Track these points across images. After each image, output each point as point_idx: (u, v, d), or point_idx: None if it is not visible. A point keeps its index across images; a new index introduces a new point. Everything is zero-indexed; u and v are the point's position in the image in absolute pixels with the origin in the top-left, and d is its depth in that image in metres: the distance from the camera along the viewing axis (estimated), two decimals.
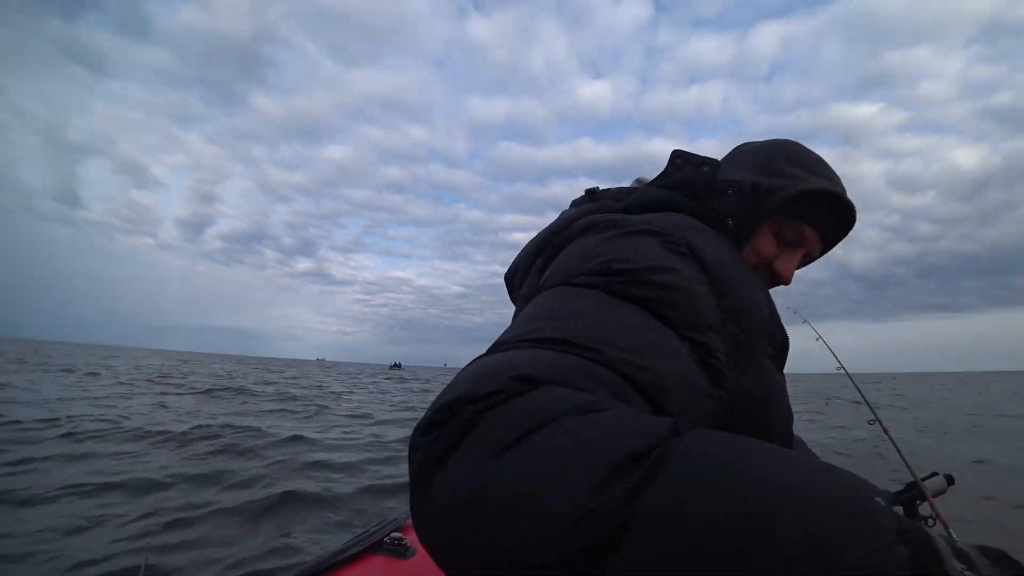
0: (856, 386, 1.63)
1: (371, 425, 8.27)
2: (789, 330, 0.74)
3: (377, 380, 29.44)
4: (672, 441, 0.36)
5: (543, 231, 0.85)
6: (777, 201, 0.76)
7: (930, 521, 0.99)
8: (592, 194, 0.87)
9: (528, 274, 0.84)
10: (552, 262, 0.76)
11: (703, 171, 0.80)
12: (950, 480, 1.04)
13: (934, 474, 1.05)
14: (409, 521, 1.54)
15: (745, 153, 0.85)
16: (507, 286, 0.94)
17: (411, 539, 1.31)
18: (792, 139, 0.85)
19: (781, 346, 0.71)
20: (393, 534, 1.31)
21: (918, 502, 1.00)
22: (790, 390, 0.71)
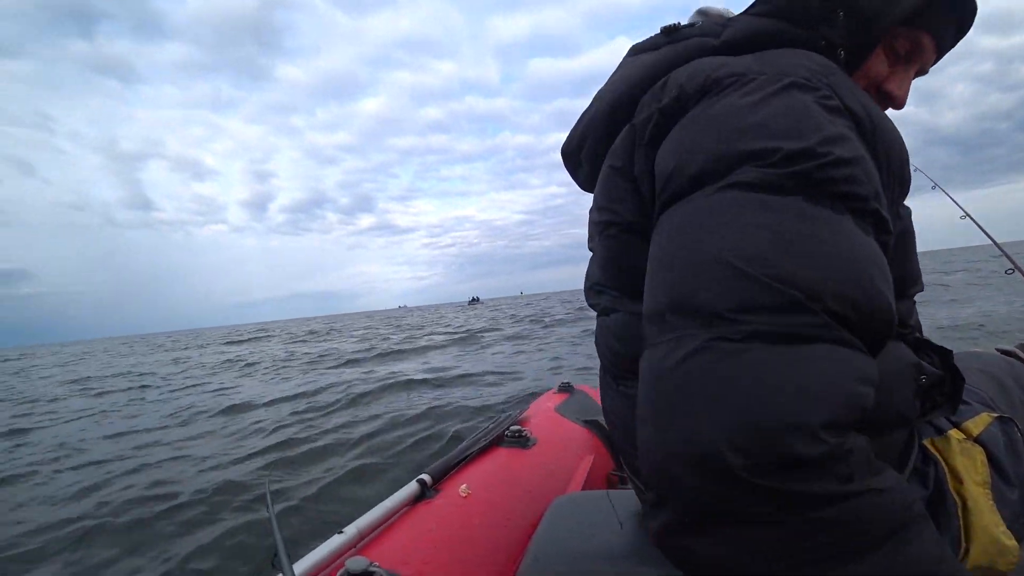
0: (984, 231, 1.54)
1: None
2: None
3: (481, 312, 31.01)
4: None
5: (612, 89, 0.68)
6: (902, 13, 0.62)
7: None
8: (672, 31, 0.68)
9: (598, 147, 0.70)
10: (639, 133, 0.59)
11: None
12: None
13: None
14: (525, 414, 1.64)
15: None
16: (566, 161, 0.82)
17: (529, 430, 1.40)
18: None
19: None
20: (512, 427, 1.40)
21: None
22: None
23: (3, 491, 3.32)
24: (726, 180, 0.46)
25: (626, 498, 0.88)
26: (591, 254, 0.78)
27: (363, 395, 5.32)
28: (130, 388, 8.76)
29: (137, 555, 2.18)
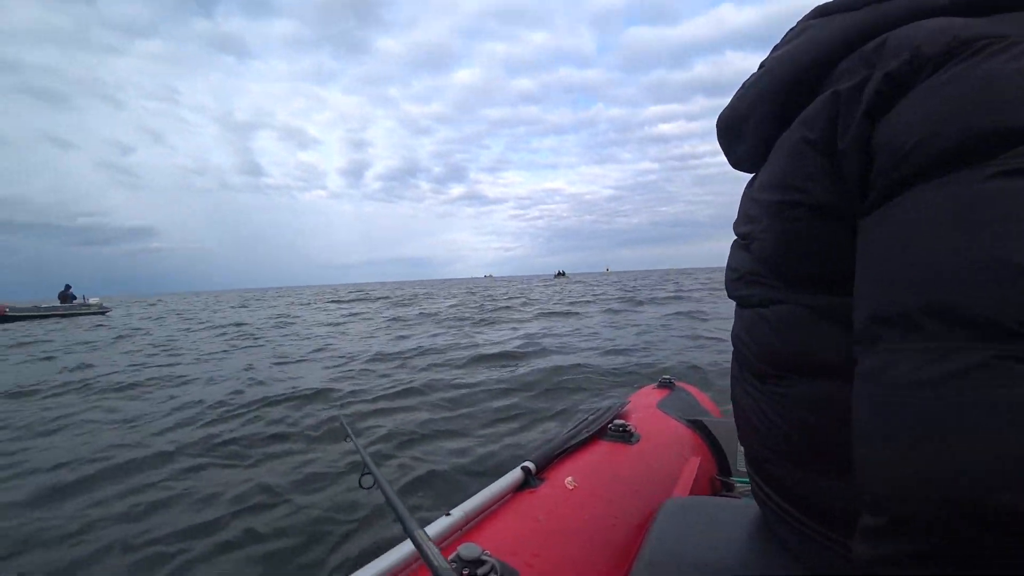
0: None
1: None
2: None
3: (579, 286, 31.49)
4: None
5: (796, 54, 0.60)
6: None
7: None
8: None
9: (772, 118, 0.63)
10: (848, 100, 0.51)
11: None
12: None
13: None
14: (627, 408, 1.62)
15: None
16: (724, 134, 0.75)
17: (633, 425, 1.38)
18: None
19: None
20: (616, 421, 1.39)
21: None
22: None
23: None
24: (1003, 163, 0.38)
25: (742, 508, 0.85)
26: (737, 241, 0.71)
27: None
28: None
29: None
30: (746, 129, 0.69)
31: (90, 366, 6.72)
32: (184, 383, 5.28)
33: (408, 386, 4.50)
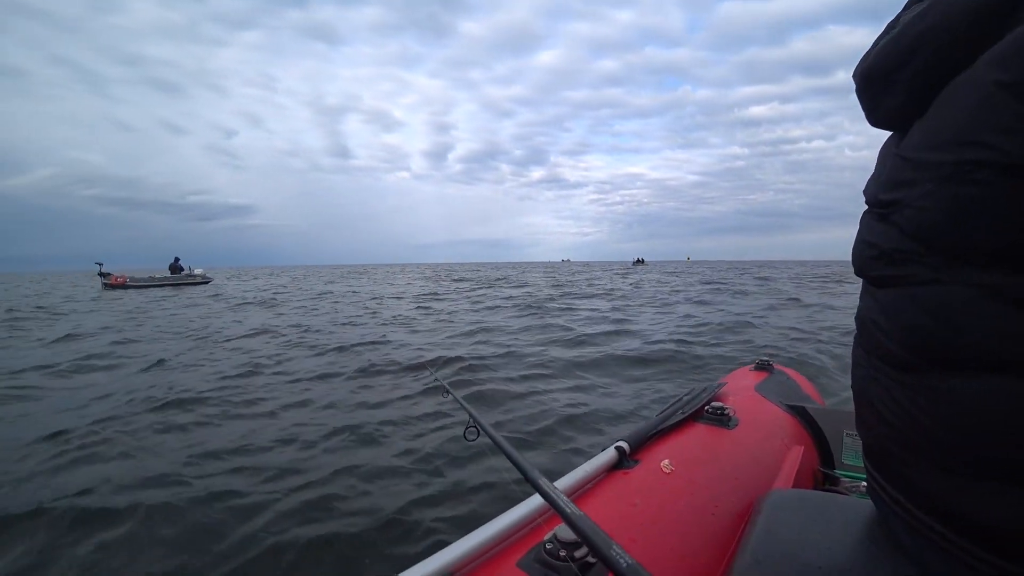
0: None
1: None
2: None
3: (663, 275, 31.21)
4: None
5: None
6: None
7: None
8: None
9: (939, 62, 0.54)
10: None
11: None
12: None
13: None
14: (723, 390, 1.57)
15: None
16: (869, 85, 0.66)
17: (731, 408, 1.34)
18: None
19: None
20: (713, 404, 1.35)
21: None
22: None
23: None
24: None
25: (856, 506, 0.79)
26: (875, 211, 0.63)
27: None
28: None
29: None
30: (900, 78, 0.59)
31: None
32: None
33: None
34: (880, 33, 0.64)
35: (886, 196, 0.61)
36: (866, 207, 0.68)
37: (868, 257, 0.64)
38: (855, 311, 0.72)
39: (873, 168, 0.70)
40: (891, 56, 0.60)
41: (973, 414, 0.49)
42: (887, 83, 0.62)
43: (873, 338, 0.63)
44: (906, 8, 0.60)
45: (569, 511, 0.59)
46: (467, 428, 1.04)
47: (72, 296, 17.13)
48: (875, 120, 0.68)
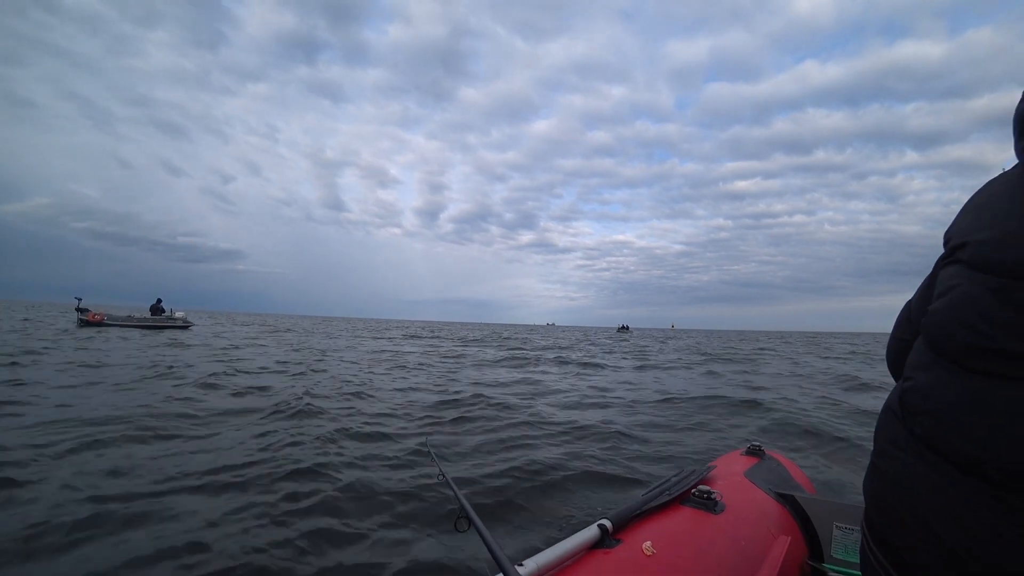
0: None
1: None
2: None
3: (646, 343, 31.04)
4: None
5: None
6: None
7: None
8: None
9: None
10: None
11: None
12: None
13: None
14: (712, 474, 1.55)
15: None
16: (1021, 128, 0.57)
17: (718, 493, 1.32)
18: None
19: None
20: (701, 487, 1.33)
21: None
22: None
23: None
24: None
25: None
26: (987, 278, 0.53)
27: None
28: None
29: None
30: None
31: None
32: None
33: None
34: None
35: (1010, 256, 0.50)
36: (967, 269, 0.56)
37: (973, 340, 0.52)
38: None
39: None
40: None
41: None
42: None
43: (941, 431, 0.53)
44: None
45: None
46: (458, 519, 1.00)
47: (33, 332, 15.85)
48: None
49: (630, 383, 8.61)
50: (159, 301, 24.27)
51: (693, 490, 1.32)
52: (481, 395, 6.34)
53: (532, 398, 6.52)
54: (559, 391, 7.35)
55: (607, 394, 7.16)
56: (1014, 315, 0.48)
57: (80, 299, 21.99)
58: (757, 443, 1.93)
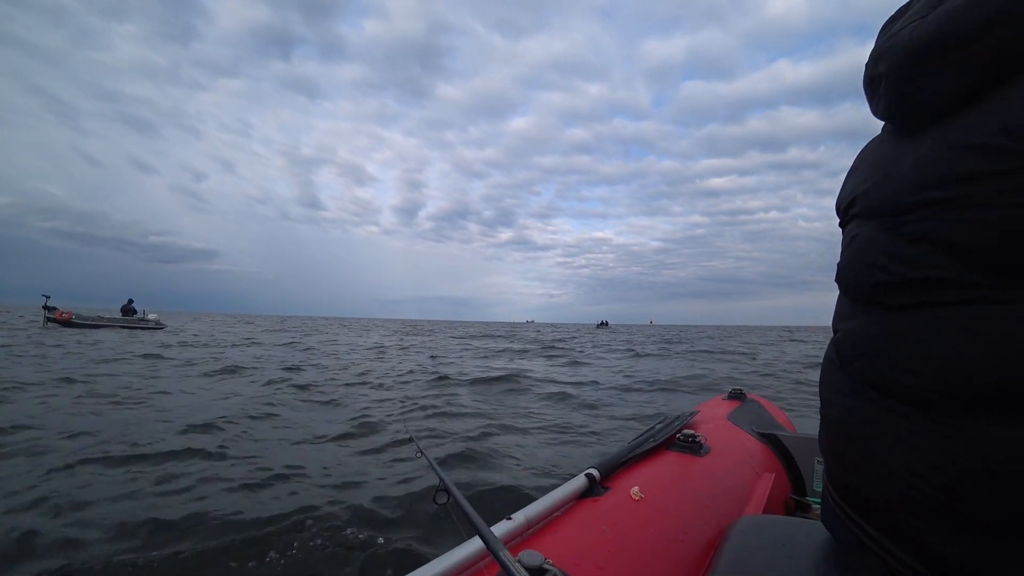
0: None
1: None
2: None
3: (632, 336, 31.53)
4: None
5: None
6: None
7: None
8: None
9: (1016, 38, 0.44)
10: None
11: None
12: None
13: None
14: (695, 419, 1.58)
15: None
16: (908, 66, 0.55)
17: (703, 436, 1.34)
18: None
19: None
20: (685, 431, 1.35)
21: None
22: None
23: None
24: None
25: (823, 532, 0.79)
26: (891, 220, 0.55)
27: None
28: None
29: None
30: (967, 54, 0.47)
31: None
32: None
33: None
34: (887, 22, 0.59)
35: (924, 196, 0.50)
36: (860, 221, 0.62)
37: (878, 271, 0.56)
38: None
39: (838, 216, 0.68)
40: (954, 30, 0.48)
41: (1019, 466, 0.41)
42: (942, 61, 0.50)
43: (876, 370, 0.55)
44: None
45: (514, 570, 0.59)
46: (437, 491, 0.98)
47: None
48: (910, 107, 0.55)
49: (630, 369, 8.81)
50: (130, 302, 23.55)
51: (678, 435, 1.34)
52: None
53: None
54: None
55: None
56: (907, 246, 0.51)
57: (48, 296, 21.13)
58: (738, 388, 1.96)
